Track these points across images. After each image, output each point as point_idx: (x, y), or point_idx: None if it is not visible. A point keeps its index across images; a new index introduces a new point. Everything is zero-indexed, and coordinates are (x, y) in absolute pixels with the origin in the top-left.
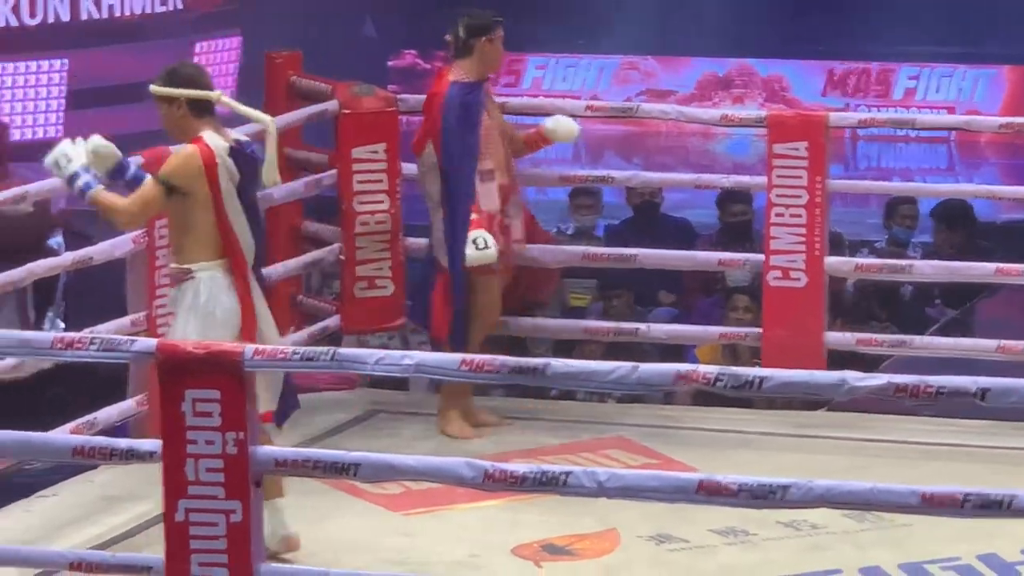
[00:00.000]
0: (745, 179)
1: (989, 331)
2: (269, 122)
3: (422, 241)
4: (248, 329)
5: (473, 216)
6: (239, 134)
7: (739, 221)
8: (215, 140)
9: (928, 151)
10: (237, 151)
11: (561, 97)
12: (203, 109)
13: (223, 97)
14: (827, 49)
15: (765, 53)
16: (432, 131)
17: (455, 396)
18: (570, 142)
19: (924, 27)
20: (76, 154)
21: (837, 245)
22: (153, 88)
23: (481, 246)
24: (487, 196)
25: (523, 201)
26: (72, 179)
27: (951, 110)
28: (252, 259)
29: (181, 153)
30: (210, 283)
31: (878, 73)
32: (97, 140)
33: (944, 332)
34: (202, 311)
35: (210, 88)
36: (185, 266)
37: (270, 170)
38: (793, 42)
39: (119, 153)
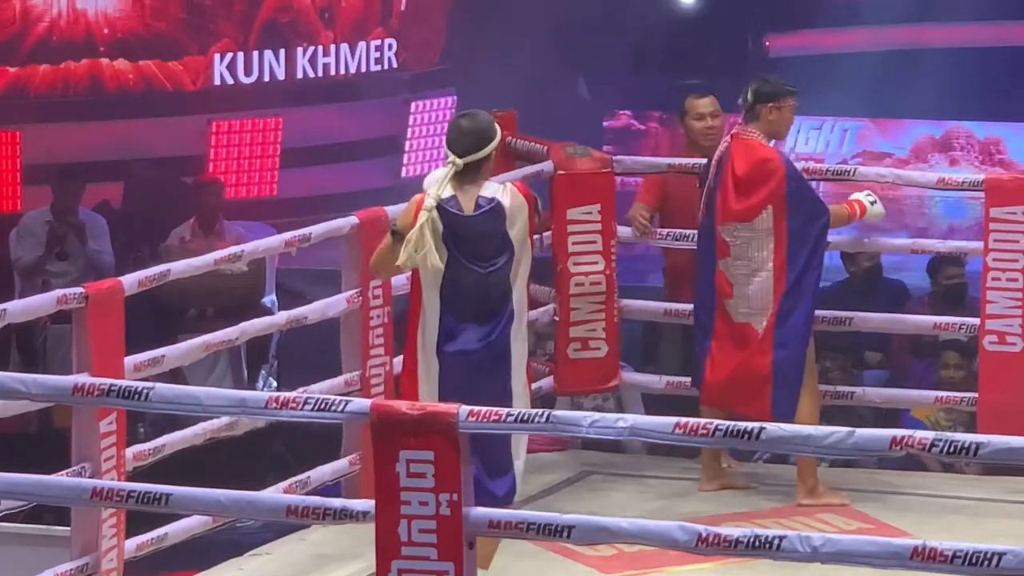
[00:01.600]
0: (961, 244)
1: None
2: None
3: (637, 303)
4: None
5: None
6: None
7: (953, 284)
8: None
9: None
10: (441, 206)
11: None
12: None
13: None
14: None
15: (981, 115)
16: (775, 196)
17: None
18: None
19: None
20: None
21: None
22: None
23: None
24: None
25: None
26: None
27: None
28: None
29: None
30: None
31: None
32: None
33: None
34: None
35: (452, 150)
36: None
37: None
38: (1010, 104)
39: None
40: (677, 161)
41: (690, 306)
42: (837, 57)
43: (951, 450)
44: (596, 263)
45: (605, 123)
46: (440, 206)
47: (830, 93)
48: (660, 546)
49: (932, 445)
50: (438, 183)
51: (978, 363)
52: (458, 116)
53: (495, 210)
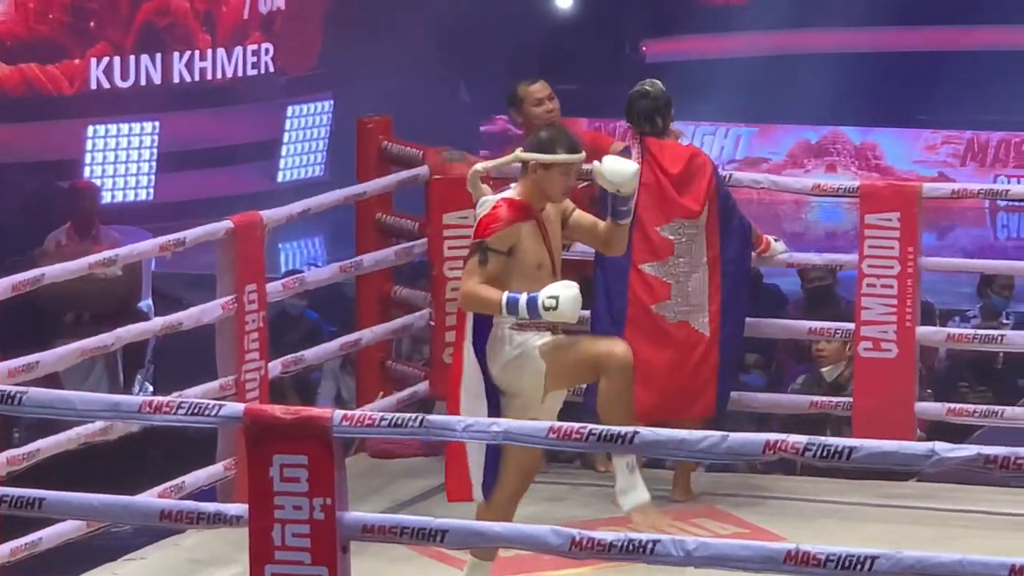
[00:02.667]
0: (837, 257)
1: None
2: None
3: None
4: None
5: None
6: None
7: (818, 287)
8: None
9: None
10: None
11: None
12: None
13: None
14: (925, 118)
15: (858, 121)
16: (710, 189)
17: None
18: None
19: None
20: None
21: (927, 315)
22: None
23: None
24: None
25: None
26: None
27: None
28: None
29: None
30: None
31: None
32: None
33: None
34: None
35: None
36: None
37: None
38: (887, 109)
39: None
40: None
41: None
42: (714, 62)
43: (824, 454)
44: None
45: (482, 127)
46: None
47: (706, 98)
48: (534, 550)
49: (805, 449)
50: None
51: (853, 368)
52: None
53: None
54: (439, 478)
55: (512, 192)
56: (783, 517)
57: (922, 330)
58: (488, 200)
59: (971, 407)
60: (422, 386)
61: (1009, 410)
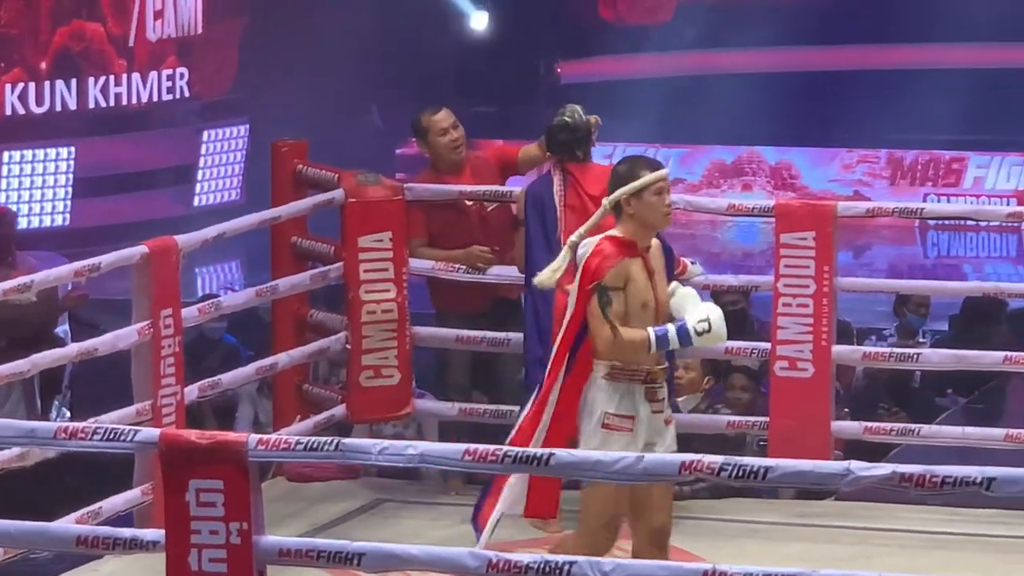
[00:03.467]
0: (753, 278)
1: (1000, 419)
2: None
3: (429, 330)
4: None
5: None
6: None
7: (732, 311)
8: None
9: (998, 240)
10: None
11: None
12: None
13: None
14: (840, 137)
15: (773, 140)
16: None
17: None
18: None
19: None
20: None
21: (844, 334)
22: None
23: None
24: None
25: None
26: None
27: (1020, 199)
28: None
29: None
30: None
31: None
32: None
33: (954, 421)
34: None
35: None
36: None
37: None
38: (802, 129)
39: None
40: (469, 189)
41: (483, 333)
42: (628, 83)
43: (740, 474)
44: (388, 291)
45: (397, 151)
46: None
47: (621, 119)
48: (451, 572)
49: (721, 469)
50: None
51: (770, 388)
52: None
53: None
54: (357, 501)
55: (614, 231)
56: (702, 537)
57: (838, 349)
58: (589, 242)
59: (888, 426)
60: (339, 409)
61: (926, 428)
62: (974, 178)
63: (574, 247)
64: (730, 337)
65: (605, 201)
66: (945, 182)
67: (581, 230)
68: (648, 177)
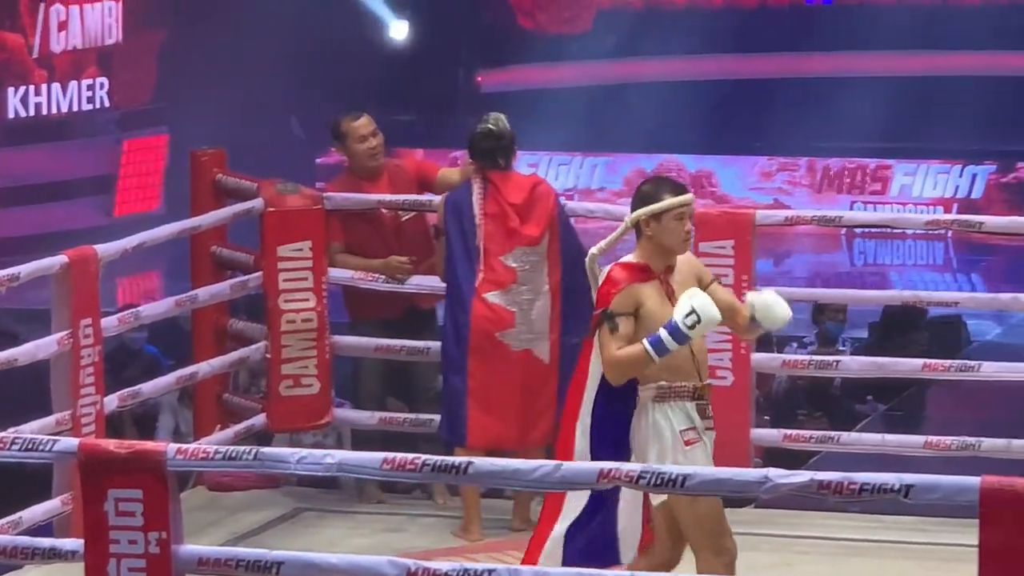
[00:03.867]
0: None
1: (919, 426)
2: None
3: (349, 339)
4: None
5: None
6: None
7: None
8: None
9: (925, 248)
10: None
11: None
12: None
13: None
14: (760, 145)
15: (692, 149)
16: (552, 217)
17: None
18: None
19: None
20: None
21: (766, 342)
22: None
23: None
24: None
25: None
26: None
27: (946, 206)
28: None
29: None
30: None
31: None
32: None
33: (874, 428)
34: None
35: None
36: None
37: None
38: (721, 137)
39: None
40: (388, 198)
41: (402, 342)
42: (549, 92)
43: (658, 482)
44: (307, 300)
45: (318, 160)
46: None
47: (543, 128)
48: None
49: (639, 477)
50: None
51: None
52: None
53: None
54: (277, 510)
55: (629, 256)
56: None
57: (757, 356)
58: (606, 269)
59: (808, 433)
60: (259, 419)
61: (845, 435)
62: (900, 186)
63: (593, 261)
64: None
65: (626, 219)
66: (871, 190)
67: (602, 244)
68: (670, 201)
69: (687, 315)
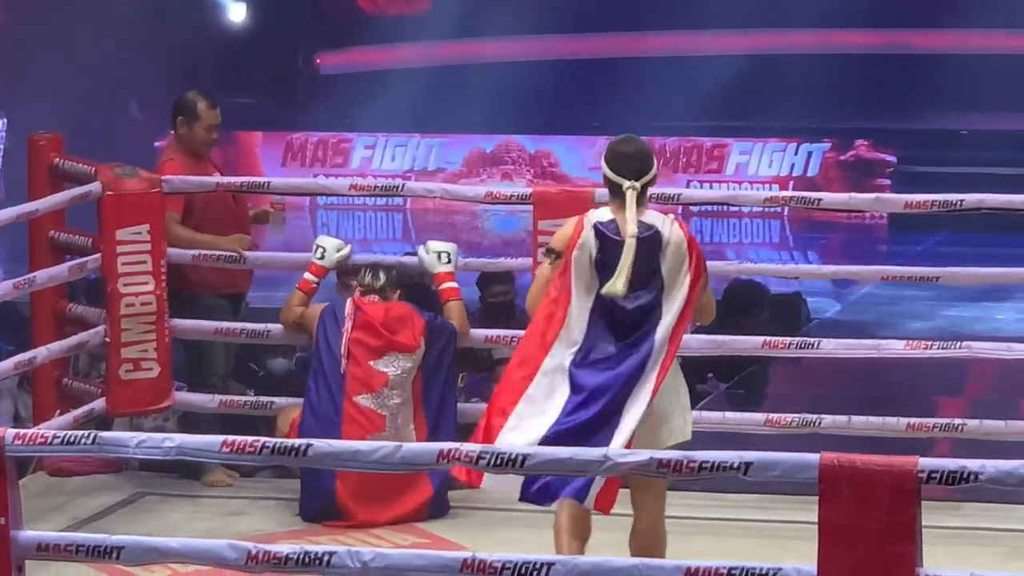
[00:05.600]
0: (508, 261)
1: (761, 404)
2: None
3: (188, 322)
4: None
5: None
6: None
7: (500, 302)
8: (596, 215)
9: (761, 226)
10: (600, 230)
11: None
12: (612, 191)
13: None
14: (598, 125)
15: (532, 129)
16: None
17: None
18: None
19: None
20: None
21: None
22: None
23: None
24: None
25: None
26: None
27: (783, 184)
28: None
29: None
30: None
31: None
32: None
33: (715, 406)
34: None
35: (624, 176)
36: None
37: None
38: (561, 118)
39: None
40: (224, 180)
41: (242, 324)
42: (388, 73)
43: (498, 463)
44: (146, 283)
45: (157, 143)
46: (597, 228)
47: (382, 109)
48: (211, 565)
49: (479, 458)
50: (631, 206)
51: None
52: (617, 142)
53: (652, 239)
54: (119, 495)
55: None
56: (464, 527)
57: None
58: (669, 225)
59: None
60: (99, 403)
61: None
62: (736, 164)
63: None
64: (497, 327)
65: (640, 181)
66: (708, 168)
67: (636, 216)
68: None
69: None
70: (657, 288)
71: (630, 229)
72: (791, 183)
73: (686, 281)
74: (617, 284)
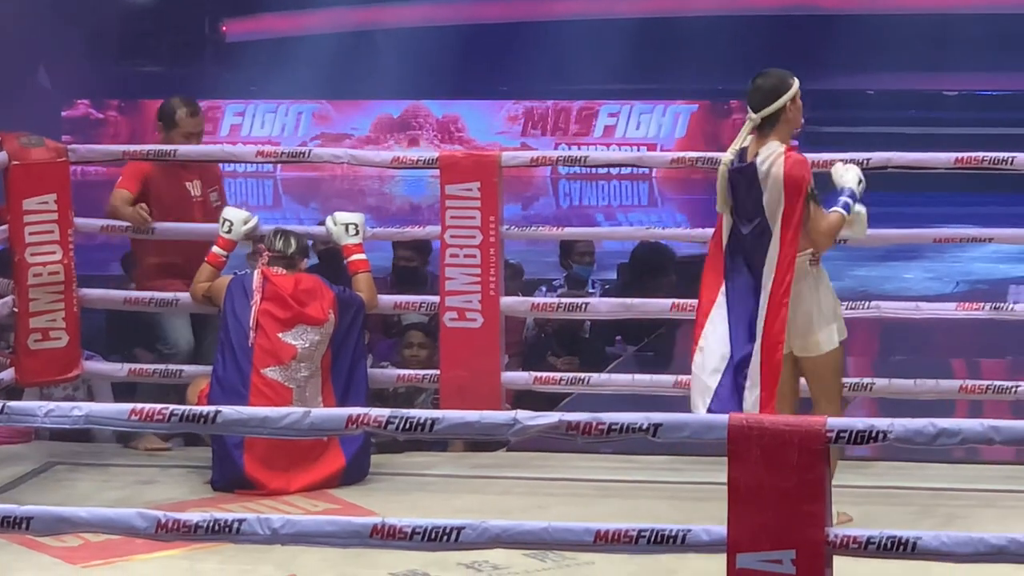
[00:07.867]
0: (418, 230)
1: (669, 366)
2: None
3: (97, 292)
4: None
5: None
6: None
7: (406, 268)
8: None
9: (630, 188)
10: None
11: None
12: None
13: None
14: (506, 89)
15: (439, 94)
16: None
17: None
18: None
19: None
20: None
21: (516, 277)
22: None
23: None
24: None
25: None
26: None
27: (651, 147)
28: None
29: None
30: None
31: (579, 111)
32: None
33: (625, 369)
34: None
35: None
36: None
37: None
38: (467, 82)
39: None
40: (132, 148)
41: (151, 294)
42: (294, 40)
43: (407, 427)
44: (54, 253)
45: (64, 113)
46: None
47: (288, 76)
48: (121, 534)
49: (388, 422)
50: (740, 136)
51: (439, 340)
52: (755, 76)
53: (746, 170)
54: (29, 464)
55: (779, 143)
56: (377, 493)
57: (507, 300)
58: (773, 150)
59: (558, 375)
60: (8, 373)
61: (595, 377)
62: (604, 127)
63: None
64: (403, 293)
65: (759, 115)
66: (577, 131)
67: (740, 146)
68: (797, 86)
69: (859, 183)
70: (761, 216)
71: (725, 158)
72: (658, 145)
73: (780, 213)
74: (718, 204)
